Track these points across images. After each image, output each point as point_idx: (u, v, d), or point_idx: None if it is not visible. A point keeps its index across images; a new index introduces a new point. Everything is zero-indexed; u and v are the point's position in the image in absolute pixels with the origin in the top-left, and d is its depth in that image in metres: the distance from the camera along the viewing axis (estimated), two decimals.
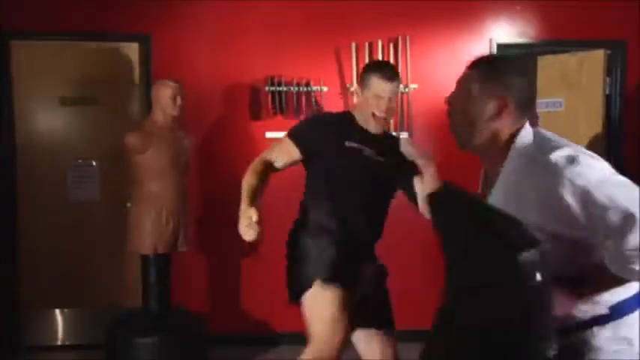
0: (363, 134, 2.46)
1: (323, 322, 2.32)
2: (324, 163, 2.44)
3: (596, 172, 1.35)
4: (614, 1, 4.03)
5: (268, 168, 2.45)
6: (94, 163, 4.01)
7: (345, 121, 2.52)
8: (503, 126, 1.50)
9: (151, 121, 3.45)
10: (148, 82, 3.82)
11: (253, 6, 3.97)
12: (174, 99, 3.39)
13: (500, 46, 4.08)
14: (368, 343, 2.52)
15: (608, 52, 4.11)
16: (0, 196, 3.90)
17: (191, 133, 3.65)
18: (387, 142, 2.47)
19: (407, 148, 1.79)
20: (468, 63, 1.57)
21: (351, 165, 2.42)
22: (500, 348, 1.13)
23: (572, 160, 1.36)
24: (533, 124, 1.55)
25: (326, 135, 2.45)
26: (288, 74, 3.94)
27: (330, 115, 2.89)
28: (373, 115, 2.43)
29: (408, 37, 3.97)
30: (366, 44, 3.96)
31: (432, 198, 1.55)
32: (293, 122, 2.70)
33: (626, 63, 4.13)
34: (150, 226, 3.37)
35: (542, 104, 4.20)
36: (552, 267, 1.11)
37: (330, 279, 2.33)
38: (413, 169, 1.78)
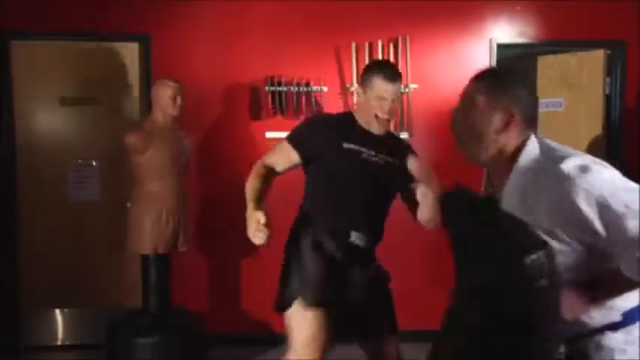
0: (364, 135, 2.42)
1: (302, 339, 2.32)
2: (323, 165, 2.41)
3: (609, 180, 1.35)
4: (614, 1, 4.03)
5: (270, 172, 2.44)
6: (94, 163, 4.01)
7: (346, 122, 2.48)
8: (510, 139, 1.48)
9: (151, 121, 3.45)
10: (148, 82, 3.82)
11: (253, 6, 3.97)
12: (174, 99, 3.39)
13: (500, 46, 4.08)
14: (371, 344, 2.52)
15: (608, 52, 4.11)
16: (0, 196, 3.90)
17: (191, 133, 3.65)
18: (389, 143, 2.46)
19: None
20: (472, 76, 1.54)
21: (351, 166, 2.38)
22: (508, 349, 1.13)
23: (584, 169, 1.35)
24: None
25: (325, 137, 2.41)
26: (288, 74, 3.94)
27: (331, 116, 2.83)
28: (376, 116, 2.38)
29: (408, 37, 3.97)
30: (366, 44, 3.96)
31: (444, 199, 1.53)
32: (293, 122, 2.69)
33: (626, 63, 4.13)
34: (150, 226, 3.37)
35: (542, 104, 4.19)
36: (565, 271, 1.10)
37: (311, 302, 2.30)
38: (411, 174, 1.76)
